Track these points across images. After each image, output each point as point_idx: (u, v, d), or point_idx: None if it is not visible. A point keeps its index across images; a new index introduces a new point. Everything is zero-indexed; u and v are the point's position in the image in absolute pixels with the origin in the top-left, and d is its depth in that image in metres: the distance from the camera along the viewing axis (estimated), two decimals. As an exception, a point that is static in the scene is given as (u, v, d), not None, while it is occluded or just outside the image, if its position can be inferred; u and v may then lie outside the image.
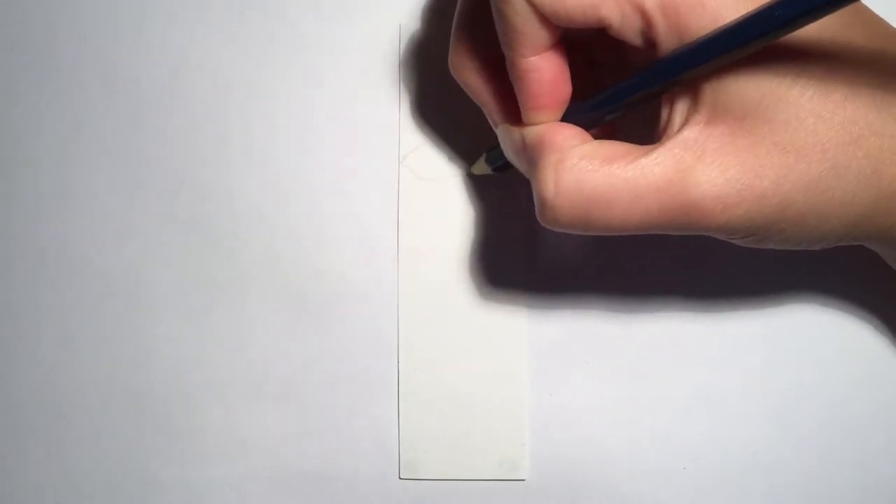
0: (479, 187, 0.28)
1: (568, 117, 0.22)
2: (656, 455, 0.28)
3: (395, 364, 0.28)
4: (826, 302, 0.28)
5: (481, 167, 0.27)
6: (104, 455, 0.29)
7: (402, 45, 0.28)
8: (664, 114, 0.21)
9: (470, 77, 0.23)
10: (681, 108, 0.20)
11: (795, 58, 0.19)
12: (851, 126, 0.19)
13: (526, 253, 0.28)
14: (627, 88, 0.20)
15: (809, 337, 0.28)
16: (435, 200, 0.28)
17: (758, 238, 0.21)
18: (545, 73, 0.21)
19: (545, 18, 0.20)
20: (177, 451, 0.29)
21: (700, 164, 0.19)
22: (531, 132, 0.22)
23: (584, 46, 0.24)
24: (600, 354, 0.28)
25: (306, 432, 0.29)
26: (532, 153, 0.21)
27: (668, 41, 0.19)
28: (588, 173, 0.20)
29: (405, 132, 0.28)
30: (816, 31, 0.19)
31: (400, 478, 0.28)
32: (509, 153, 0.23)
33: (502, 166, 0.26)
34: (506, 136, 0.23)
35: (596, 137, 0.21)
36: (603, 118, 0.22)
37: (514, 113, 0.23)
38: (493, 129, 0.24)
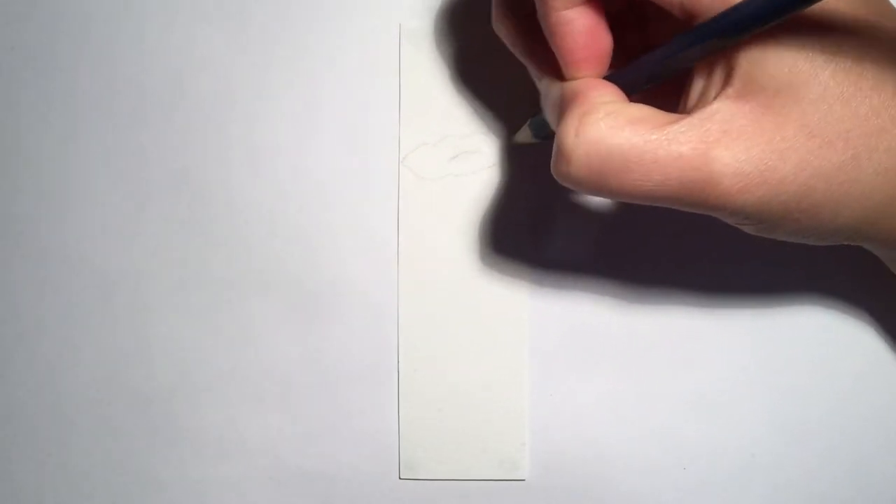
0: (479, 186, 0.28)
1: (610, 79, 0.21)
2: (656, 455, 0.28)
3: (395, 364, 0.28)
4: (827, 303, 0.28)
5: (525, 135, 0.26)
6: (104, 455, 0.29)
7: (402, 45, 0.28)
8: (697, 85, 0.20)
9: (511, 32, 0.23)
10: (714, 80, 0.20)
11: (829, 35, 0.19)
12: (875, 117, 0.19)
13: (526, 253, 0.28)
14: (666, 53, 0.20)
15: (810, 337, 0.28)
16: (435, 200, 0.28)
17: (769, 226, 0.20)
18: (578, 26, 0.20)
19: None
20: (177, 451, 0.29)
21: (725, 139, 0.19)
22: (569, 86, 0.21)
23: (638, 24, 0.24)
24: (600, 354, 0.28)
25: (306, 432, 0.29)
26: (564, 105, 0.21)
27: (709, 6, 0.19)
28: (612, 129, 0.19)
29: (405, 132, 0.28)
30: (851, 10, 0.19)
31: (400, 478, 0.28)
32: (548, 111, 0.23)
33: (546, 134, 0.25)
34: (546, 92, 0.22)
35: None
36: (643, 83, 0.21)
37: (556, 70, 0.22)
38: (537, 86, 0.24)
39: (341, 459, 0.29)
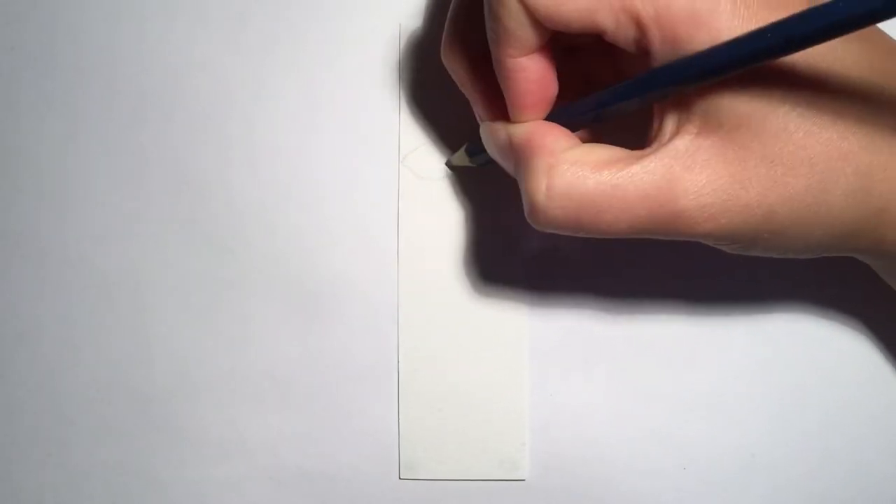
0: (479, 186, 0.28)
1: (555, 117, 0.22)
2: (656, 455, 0.28)
3: (395, 364, 0.28)
4: (826, 304, 0.28)
5: (461, 158, 0.27)
6: (105, 455, 0.29)
7: (402, 45, 0.28)
8: (655, 122, 0.21)
9: (459, 70, 0.24)
10: (672, 117, 0.20)
11: (785, 78, 0.19)
12: (841, 142, 0.19)
13: (526, 253, 0.28)
14: (618, 94, 0.20)
15: (809, 338, 0.28)
16: (435, 200, 0.28)
17: (743, 246, 0.21)
18: (532, 74, 0.21)
19: (537, 21, 0.20)
20: (177, 451, 0.29)
21: (688, 175, 0.19)
22: (518, 131, 0.22)
23: (573, 50, 0.24)
24: (600, 354, 0.28)
25: (306, 432, 0.29)
26: (520, 154, 0.21)
27: (662, 52, 0.19)
28: (579, 179, 0.20)
29: (405, 132, 0.28)
30: (805, 52, 0.19)
31: (400, 478, 0.28)
32: (492, 150, 0.23)
33: (482, 161, 0.26)
34: (489, 134, 0.23)
35: (582, 140, 0.21)
36: (590, 122, 0.22)
37: (500, 108, 0.23)
38: (479, 122, 0.24)
39: (341, 459, 0.29)
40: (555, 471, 0.28)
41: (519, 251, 0.28)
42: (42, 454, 0.29)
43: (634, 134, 0.22)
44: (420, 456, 0.28)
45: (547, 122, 0.22)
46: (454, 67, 0.24)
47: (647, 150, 0.20)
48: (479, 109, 0.24)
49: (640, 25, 0.19)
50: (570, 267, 0.28)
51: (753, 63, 0.18)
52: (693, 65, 0.19)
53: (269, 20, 0.28)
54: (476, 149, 0.26)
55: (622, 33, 0.19)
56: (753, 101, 0.19)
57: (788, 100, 0.19)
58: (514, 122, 0.22)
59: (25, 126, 0.29)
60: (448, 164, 0.28)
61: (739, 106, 0.19)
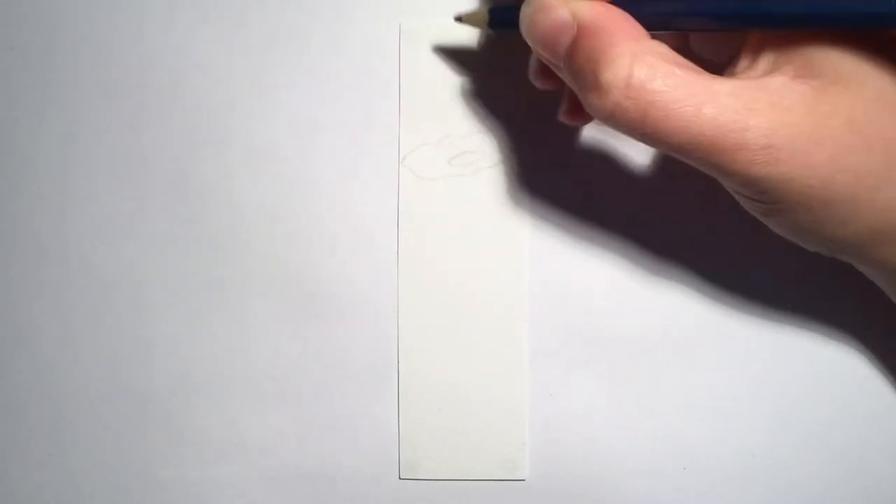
0: (480, 186, 0.28)
1: (631, 9, 0.20)
2: (656, 455, 0.28)
3: (395, 364, 0.28)
4: (827, 305, 0.28)
5: (476, 19, 0.25)
6: (104, 455, 0.29)
7: (402, 45, 0.28)
8: (745, 57, 0.20)
9: None
10: (769, 55, 0.19)
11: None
12: None
13: (526, 253, 0.28)
14: (719, 11, 0.19)
15: (810, 339, 0.28)
16: (435, 200, 0.28)
17: (779, 208, 0.20)
18: None
19: None
20: (177, 451, 0.29)
21: (770, 111, 0.18)
22: (587, 9, 0.20)
23: None
24: (600, 354, 0.28)
25: (306, 432, 0.29)
26: (592, 36, 0.20)
27: None
28: (663, 75, 0.19)
29: (405, 132, 0.28)
30: None
31: (400, 478, 0.28)
32: (539, 30, 0.21)
33: (499, 33, 0.24)
34: (543, 8, 0.21)
35: None
36: (673, 27, 0.20)
37: None
38: None
39: (341, 459, 0.29)
40: (555, 471, 0.28)
41: (519, 251, 0.28)
42: (42, 454, 0.29)
43: (716, 59, 0.20)
44: (420, 456, 0.28)
45: (618, 8, 0.20)
46: None
47: (735, 76, 0.19)
48: None
49: None
50: (570, 267, 0.28)
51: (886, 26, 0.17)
52: (825, 9, 0.18)
53: (269, 20, 0.28)
54: (502, 19, 0.24)
55: None
56: (861, 61, 0.18)
57: (893, 72, 0.18)
58: None
59: (25, 126, 0.29)
60: (457, 17, 0.25)
61: (845, 62, 0.18)
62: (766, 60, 0.20)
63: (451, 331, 0.28)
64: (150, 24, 0.29)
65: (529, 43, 0.21)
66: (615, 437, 0.28)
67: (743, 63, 0.20)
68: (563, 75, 0.21)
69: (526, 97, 0.27)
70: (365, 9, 0.28)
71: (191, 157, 0.29)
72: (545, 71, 0.24)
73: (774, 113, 0.18)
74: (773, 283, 0.28)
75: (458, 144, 0.28)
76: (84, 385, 0.29)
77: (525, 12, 0.21)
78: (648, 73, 0.19)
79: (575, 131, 0.28)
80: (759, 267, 0.28)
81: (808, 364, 0.28)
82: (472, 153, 0.28)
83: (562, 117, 0.25)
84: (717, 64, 0.21)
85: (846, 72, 0.19)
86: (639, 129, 0.19)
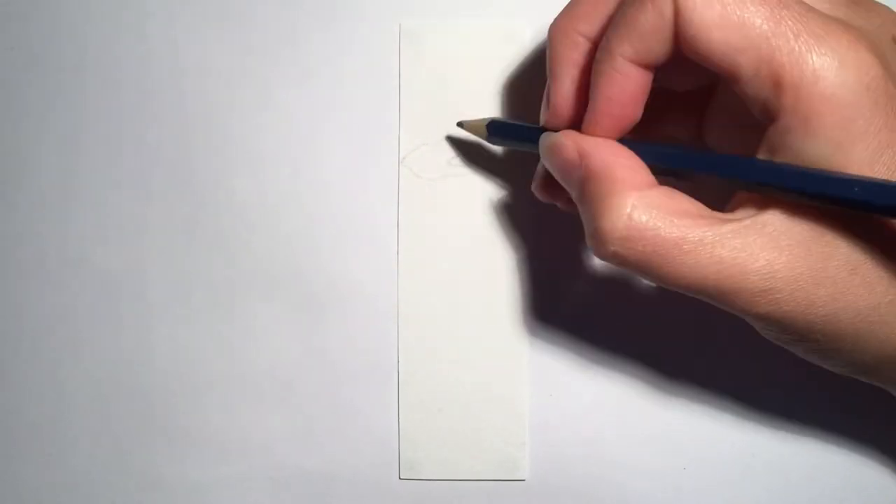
0: (480, 186, 0.28)
1: (636, 149, 0.21)
2: (656, 455, 0.28)
3: (395, 364, 0.28)
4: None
5: (476, 130, 0.26)
6: (104, 455, 0.29)
7: (402, 45, 0.28)
8: (743, 191, 0.20)
9: (562, 45, 0.22)
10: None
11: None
12: None
13: (526, 253, 0.28)
14: (728, 166, 0.20)
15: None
16: (435, 200, 0.28)
17: (790, 339, 0.20)
18: (631, 84, 0.20)
19: (677, 36, 0.19)
20: (177, 451, 0.29)
21: (766, 254, 0.19)
22: (594, 150, 0.20)
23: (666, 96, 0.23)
24: (600, 354, 0.28)
25: (306, 432, 0.29)
26: (594, 179, 0.20)
27: (787, 122, 0.18)
28: (659, 227, 0.19)
29: (405, 132, 0.28)
30: None
31: (400, 478, 0.28)
32: (552, 161, 0.22)
33: (498, 144, 0.25)
34: (555, 145, 0.22)
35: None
36: (663, 174, 0.21)
37: (572, 116, 0.22)
38: (543, 115, 0.23)
39: (341, 459, 0.29)
40: (555, 471, 0.28)
41: (519, 251, 0.28)
42: (42, 454, 0.29)
43: (707, 191, 0.21)
44: (420, 456, 0.28)
45: (624, 148, 0.21)
46: (559, 38, 0.22)
47: (731, 216, 0.19)
48: (554, 100, 0.22)
49: (778, 84, 0.18)
50: (571, 267, 0.28)
51: (877, 213, 0.17)
52: (831, 185, 0.18)
53: (269, 21, 0.28)
54: (500, 131, 0.25)
55: (755, 86, 0.18)
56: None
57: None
58: (586, 133, 0.21)
59: (26, 126, 0.29)
60: (460, 125, 0.27)
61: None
62: (762, 196, 0.20)
63: (451, 331, 0.28)
64: (151, 24, 0.29)
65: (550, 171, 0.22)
66: (615, 437, 0.28)
67: (740, 196, 0.20)
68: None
69: (526, 97, 0.27)
70: (365, 9, 0.28)
71: (191, 156, 0.29)
72: (549, 185, 0.24)
73: (773, 255, 0.19)
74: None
75: (457, 146, 0.28)
76: (84, 385, 0.29)
77: (542, 144, 0.22)
78: (646, 225, 0.19)
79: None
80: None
81: (808, 363, 0.28)
82: (473, 153, 0.28)
83: (535, 190, 0.25)
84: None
85: (845, 210, 0.18)
86: (640, 273, 0.20)
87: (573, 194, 0.21)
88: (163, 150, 0.29)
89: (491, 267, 0.28)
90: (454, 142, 0.28)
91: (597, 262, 0.28)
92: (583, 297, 0.28)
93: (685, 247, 0.19)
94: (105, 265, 0.29)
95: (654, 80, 0.20)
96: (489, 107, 0.28)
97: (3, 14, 0.29)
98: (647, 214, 0.19)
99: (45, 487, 0.29)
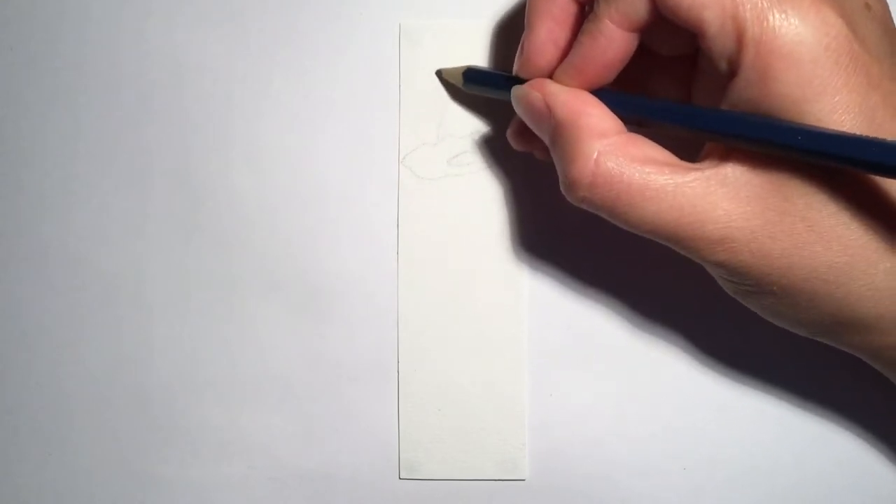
0: (480, 185, 0.28)
1: (605, 98, 0.21)
2: (656, 455, 0.28)
3: (395, 364, 0.28)
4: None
5: (454, 76, 0.27)
6: (104, 455, 0.29)
7: (402, 45, 0.28)
8: (709, 142, 0.21)
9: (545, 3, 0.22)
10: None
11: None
12: (885, 238, 0.19)
13: (526, 252, 0.28)
14: (684, 117, 0.20)
15: (809, 338, 0.28)
16: (435, 200, 0.28)
17: (749, 289, 0.21)
18: (612, 47, 0.21)
19: (653, 1, 0.19)
20: (177, 451, 0.29)
21: (725, 203, 0.19)
22: (562, 97, 0.21)
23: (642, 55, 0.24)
24: (600, 354, 0.28)
25: (306, 432, 0.29)
26: (562, 127, 0.21)
27: (746, 80, 0.19)
28: (624, 172, 0.20)
29: (405, 132, 0.28)
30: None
31: (400, 478, 0.28)
32: (522, 109, 0.23)
33: (474, 91, 0.26)
34: (526, 94, 0.22)
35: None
36: (632, 123, 0.21)
37: (545, 65, 0.22)
38: (517, 64, 0.23)
39: (341, 459, 0.29)
40: (555, 471, 0.28)
41: (518, 251, 0.28)
42: (42, 454, 0.29)
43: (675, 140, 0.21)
44: (420, 456, 0.28)
45: (591, 96, 0.21)
46: None
47: (694, 165, 0.20)
48: (528, 50, 0.23)
49: (740, 39, 0.18)
50: (570, 267, 0.28)
51: (835, 163, 0.17)
52: (777, 133, 0.18)
53: (269, 21, 0.28)
54: (476, 78, 0.26)
55: (720, 41, 0.19)
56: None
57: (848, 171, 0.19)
58: (559, 83, 0.22)
59: (26, 126, 0.29)
60: (438, 73, 0.28)
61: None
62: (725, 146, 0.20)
63: (450, 331, 0.28)
64: (151, 23, 0.29)
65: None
66: (615, 437, 0.28)
67: (706, 147, 0.21)
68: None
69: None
70: (365, 9, 0.28)
71: (191, 156, 0.29)
72: (523, 134, 0.25)
73: (731, 206, 0.19)
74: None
75: (457, 144, 0.28)
76: (84, 385, 0.29)
77: (514, 92, 0.23)
78: (612, 171, 0.20)
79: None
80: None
81: (808, 364, 0.28)
82: (472, 153, 0.28)
83: (509, 138, 0.26)
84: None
85: (806, 166, 0.19)
86: (608, 217, 0.21)
87: (546, 142, 0.22)
88: (163, 149, 0.29)
89: (491, 267, 0.28)
90: (459, 139, 0.28)
91: (599, 263, 0.28)
92: (583, 296, 0.28)
93: (647, 193, 0.20)
94: (104, 264, 0.29)
95: (643, 45, 0.21)
96: (489, 107, 0.28)
97: (3, 14, 0.29)
98: (612, 161, 0.20)
99: (45, 487, 0.29)
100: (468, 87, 0.27)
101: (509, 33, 0.28)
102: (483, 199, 0.28)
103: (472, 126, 0.28)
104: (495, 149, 0.28)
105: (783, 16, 0.18)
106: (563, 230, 0.28)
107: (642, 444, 0.28)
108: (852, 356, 0.28)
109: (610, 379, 0.28)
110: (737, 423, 0.28)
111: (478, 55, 0.28)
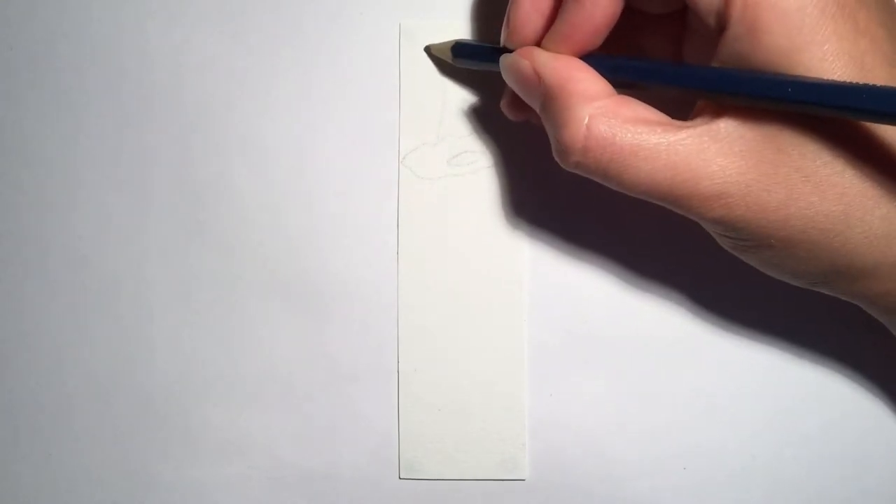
0: (479, 185, 0.28)
1: (594, 63, 0.21)
2: (656, 455, 0.28)
3: (395, 364, 0.28)
4: (826, 305, 0.28)
5: (442, 51, 0.27)
6: (104, 455, 0.29)
7: (402, 45, 0.28)
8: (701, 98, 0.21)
9: None
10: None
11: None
12: (880, 184, 0.19)
13: (526, 253, 0.28)
14: (674, 77, 0.20)
15: (810, 338, 0.28)
16: (435, 200, 0.28)
17: (747, 245, 0.21)
18: (597, 13, 0.21)
19: None
20: (177, 451, 0.29)
21: (719, 159, 0.19)
22: (550, 65, 0.21)
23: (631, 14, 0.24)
24: (600, 354, 0.28)
25: (306, 432, 0.29)
26: (553, 93, 0.21)
27: (734, 35, 0.19)
28: (616, 134, 0.20)
29: (405, 132, 0.28)
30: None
31: (400, 478, 0.28)
32: (512, 78, 0.23)
33: (464, 65, 0.26)
34: (514, 63, 0.22)
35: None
36: (624, 85, 0.21)
37: (531, 34, 0.22)
38: (504, 34, 0.23)
39: (341, 459, 0.29)
40: (555, 471, 0.28)
41: (518, 251, 0.28)
42: (42, 454, 0.29)
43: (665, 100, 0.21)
44: (420, 456, 0.28)
45: (579, 61, 0.21)
46: None
47: (687, 123, 0.20)
48: (514, 20, 0.23)
49: None
50: (570, 267, 0.28)
51: (827, 113, 0.17)
52: (767, 87, 0.18)
53: (270, 20, 0.28)
54: (465, 52, 0.26)
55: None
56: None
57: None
58: (548, 51, 0.22)
59: (26, 126, 0.29)
60: (427, 49, 0.28)
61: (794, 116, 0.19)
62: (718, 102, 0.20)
63: (451, 331, 0.28)
64: (150, 23, 0.29)
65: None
66: (615, 436, 0.28)
67: (698, 103, 0.21)
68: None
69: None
70: (365, 8, 0.28)
71: (191, 156, 0.29)
72: (516, 103, 0.25)
73: (725, 161, 0.19)
74: (775, 284, 0.28)
75: (457, 144, 0.28)
76: (84, 385, 0.29)
77: (502, 63, 0.23)
78: (604, 134, 0.20)
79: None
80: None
81: (808, 364, 0.28)
82: (472, 153, 0.28)
83: (503, 108, 0.26)
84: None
85: (798, 117, 0.19)
86: (603, 181, 0.21)
87: (537, 109, 0.22)
88: (163, 149, 0.29)
89: (490, 267, 0.28)
90: (459, 139, 0.28)
91: (600, 264, 0.28)
92: (583, 296, 0.28)
93: (640, 153, 0.20)
94: (104, 265, 0.29)
95: (630, 5, 0.21)
96: (489, 106, 0.28)
97: (3, 14, 0.29)
98: (604, 124, 0.20)
99: (45, 487, 0.29)
100: (458, 62, 0.26)
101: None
102: (483, 200, 0.28)
103: (472, 126, 0.28)
104: (495, 149, 0.28)
105: None
106: (564, 231, 0.28)
107: (642, 444, 0.28)
108: (856, 349, 0.28)
109: (610, 379, 0.28)
110: (737, 423, 0.28)
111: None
